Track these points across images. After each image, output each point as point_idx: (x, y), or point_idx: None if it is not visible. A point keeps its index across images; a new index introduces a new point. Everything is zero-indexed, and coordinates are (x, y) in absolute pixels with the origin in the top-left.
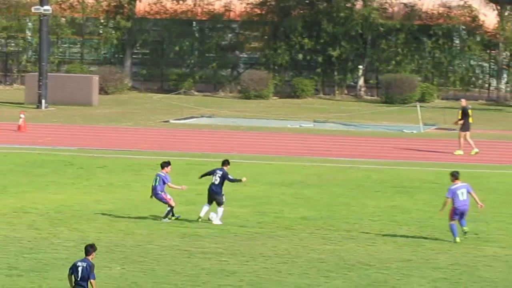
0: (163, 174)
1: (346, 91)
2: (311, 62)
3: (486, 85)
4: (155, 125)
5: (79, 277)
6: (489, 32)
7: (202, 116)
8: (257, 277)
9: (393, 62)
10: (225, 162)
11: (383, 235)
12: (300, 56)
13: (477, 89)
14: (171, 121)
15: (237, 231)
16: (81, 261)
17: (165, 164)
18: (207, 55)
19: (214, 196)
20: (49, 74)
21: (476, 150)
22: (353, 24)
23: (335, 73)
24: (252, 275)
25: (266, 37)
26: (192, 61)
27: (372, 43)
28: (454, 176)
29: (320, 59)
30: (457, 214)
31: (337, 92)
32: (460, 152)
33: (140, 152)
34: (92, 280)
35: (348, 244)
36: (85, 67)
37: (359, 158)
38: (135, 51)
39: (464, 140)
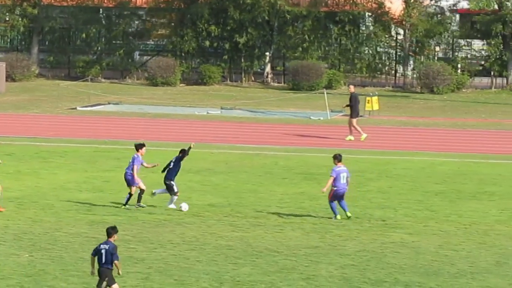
0: (135, 156)
1: (253, 78)
2: (218, 49)
3: (393, 72)
4: (63, 112)
5: (103, 260)
6: (395, 19)
7: (109, 103)
8: (166, 264)
9: (300, 49)
10: (182, 151)
11: (291, 222)
12: (207, 43)
13: (383, 76)
14: (79, 108)
15: (145, 218)
16: (104, 243)
17: (139, 146)
18: (114, 42)
19: (165, 184)
20: None
21: (350, 137)
22: (260, 11)
23: (242, 60)
24: (161, 262)
25: (173, 24)
26: (99, 48)
27: (278, 30)
28: (337, 158)
29: (227, 46)
30: (336, 196)
31: (244, 79)
32: (351, 137)
33: (48, 139)
34: (116, 261)
35: (256, 231)
36: None
37: (267, 145)
38: (42, 38)
39: (352, 126)
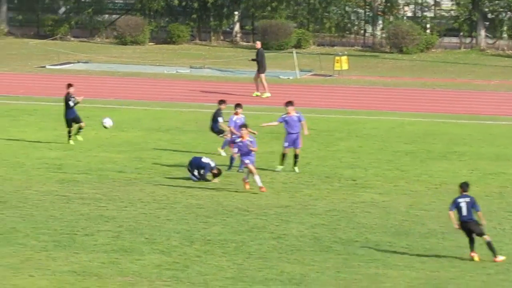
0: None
1: (222, 37)
2: (186, 8)
3: (362, 32)
4: (32, 71)
5: (464, 213)
6: None
7: (78, 62)
8: (136, 223)
9: (269, 8)
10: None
11: (261, 181)
12: (176, 1)
13: (352, 35)
14: (48, 66)
15: (115, 177)
16: (461, 197)
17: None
18: (83, 0)
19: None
20: None
21: (258, 93)
22: None
23: (211, 19)
24: (131, 220)
25: None
26: (68, 6)
27: None
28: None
29: (195, 4)
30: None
31: (213, 38)
32: (257, 94)
33: (17, 97)
34: (479, 212)
35: (227, 190)
36: None
37: None
38: None
39: (257, 81)
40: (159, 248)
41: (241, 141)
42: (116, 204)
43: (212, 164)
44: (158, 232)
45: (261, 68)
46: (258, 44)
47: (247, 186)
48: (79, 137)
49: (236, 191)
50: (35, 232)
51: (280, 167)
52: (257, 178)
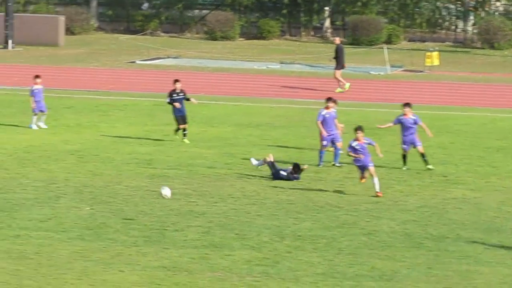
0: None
1: (312, 33)
2: (276, 3)
3: (453, 27)
4: (122, 66)
5: None
6: None
7: (168, 57)
8: (226, 218)
9: (359, 3)
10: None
11: (352, 177)
12: None
13: (443, 31)
14: (138, 62)
15: (205, 172)
16: None
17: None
18: None
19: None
20: (15, 14)
21: (340, 90)
22: None
23: (301, 14)
24: (221, 216)
25: None
26: (158, 2)
27: None
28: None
29: (286, 0)
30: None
31: (303, 33)
32: (341, 90)
33: (107, 93)
34: None
35: (317, 185)
36: (51, 7)
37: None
38: None
39: (335, 78)
40: (249, 243)
41: (358, 144)
42: (206, 200)
43: (288, 169)
44: (248, 228)
45: (338, 65)
46: (337, 40)
47: (363, 180)
48: (186, 140)
49: (327, 187)
50: (125, 228)
51: (404, 167)
52: (375, 180)
